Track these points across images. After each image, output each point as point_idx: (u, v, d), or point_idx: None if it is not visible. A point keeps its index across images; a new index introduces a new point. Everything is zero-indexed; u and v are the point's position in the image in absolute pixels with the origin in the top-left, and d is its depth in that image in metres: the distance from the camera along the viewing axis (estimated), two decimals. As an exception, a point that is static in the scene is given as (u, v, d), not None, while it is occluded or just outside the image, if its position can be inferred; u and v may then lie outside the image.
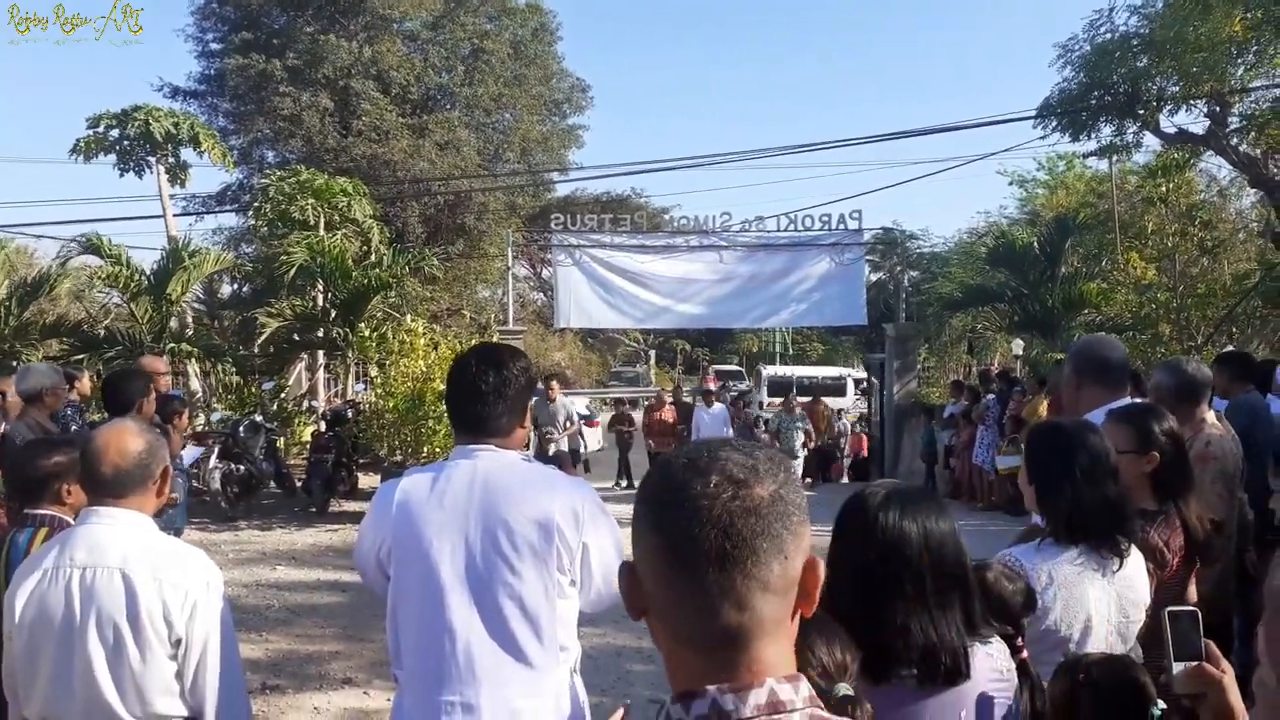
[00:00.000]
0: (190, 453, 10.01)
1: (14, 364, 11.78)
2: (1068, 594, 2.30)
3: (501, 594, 2.23)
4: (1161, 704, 1.81)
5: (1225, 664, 1.69)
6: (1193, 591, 2.75)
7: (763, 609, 1.01)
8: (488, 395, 2.32)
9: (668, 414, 15.64)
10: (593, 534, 2.29)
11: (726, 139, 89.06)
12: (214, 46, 25.10)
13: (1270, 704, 1.35)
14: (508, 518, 2.24)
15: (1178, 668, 1.70)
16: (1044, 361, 15.05)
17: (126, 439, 2.48)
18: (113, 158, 16.85)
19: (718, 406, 15.47)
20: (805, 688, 1.04)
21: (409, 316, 13.35)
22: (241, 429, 11.89)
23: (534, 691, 2.23)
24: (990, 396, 13.28)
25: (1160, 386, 4.01)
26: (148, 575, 2.33)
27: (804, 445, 15.66)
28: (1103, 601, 2.32)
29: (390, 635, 2.34)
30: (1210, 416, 4.09)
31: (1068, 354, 3.85)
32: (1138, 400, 3.64)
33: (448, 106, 25.64)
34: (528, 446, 2.44)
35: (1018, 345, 18.47)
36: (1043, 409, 10.10)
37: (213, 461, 11.24)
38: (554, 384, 13.61)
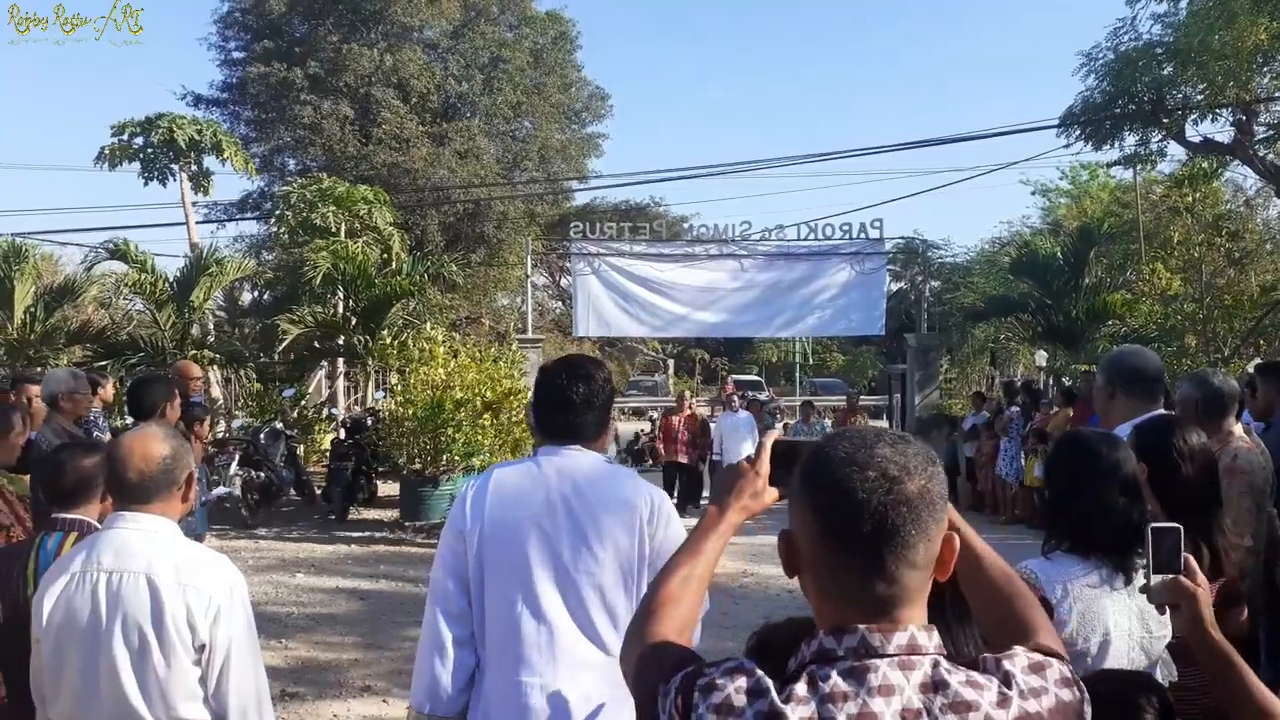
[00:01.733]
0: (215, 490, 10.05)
1: (39, 370, 11.89)
2: (1084, 607, 2.26)
3: (584, 583, 2.37)
4: None
5: (1201, 578, 1.83)
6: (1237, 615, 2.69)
7: (908, 582, 1.17)
8: (578, 405, 2.47)
9: (688, 421, 13.73)
10: (663, 529, 2.42)
11: (747, 148, 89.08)
12: (236, 55, 25.38)
13: None
14: (594, 510, 2.38)
15: (1155, 580, 1.83)
16: (1068, 373, 14.93)
17: (151, 444, 2.49)
18: (137, 165, 16.99)
19: (742, 413, 14.16)
20: (936, 636, 1.20)
21: (429, 324, 13.34)
22: (262, 436, 11.96)
23: (609, 679, 2.27)
24: (1014, 408, 13.17)
25: (1186, 399, 3.96)
26: (172, 580, 2.34)
27: None
28: (1122, 615, 2.27)
29: (476, 617, 2.45)
30: (1239, 430, 4.02)
31: (1101, 364, 3.82)
32: (1164, 413, 3.59)
33: (467, 115, 25.75)
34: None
35: (1041, 356, 18.33)
36: (1066, 421, 10.00)
37: (233, 468, 11.29)
38: None
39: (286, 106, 23.41)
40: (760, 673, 1.16)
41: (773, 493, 1.54)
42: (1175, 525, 1.85)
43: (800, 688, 1.14)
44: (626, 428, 20.29)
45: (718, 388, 32.90)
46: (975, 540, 1.47)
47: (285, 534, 11.04)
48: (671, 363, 42.39)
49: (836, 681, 1.13)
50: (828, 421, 15.44)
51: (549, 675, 2.34)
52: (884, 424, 18.67)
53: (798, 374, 41.20)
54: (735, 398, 15.09)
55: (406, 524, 11.24)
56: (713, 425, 13.94)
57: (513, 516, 2.41)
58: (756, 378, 37.90)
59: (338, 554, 10.01)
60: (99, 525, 2.97)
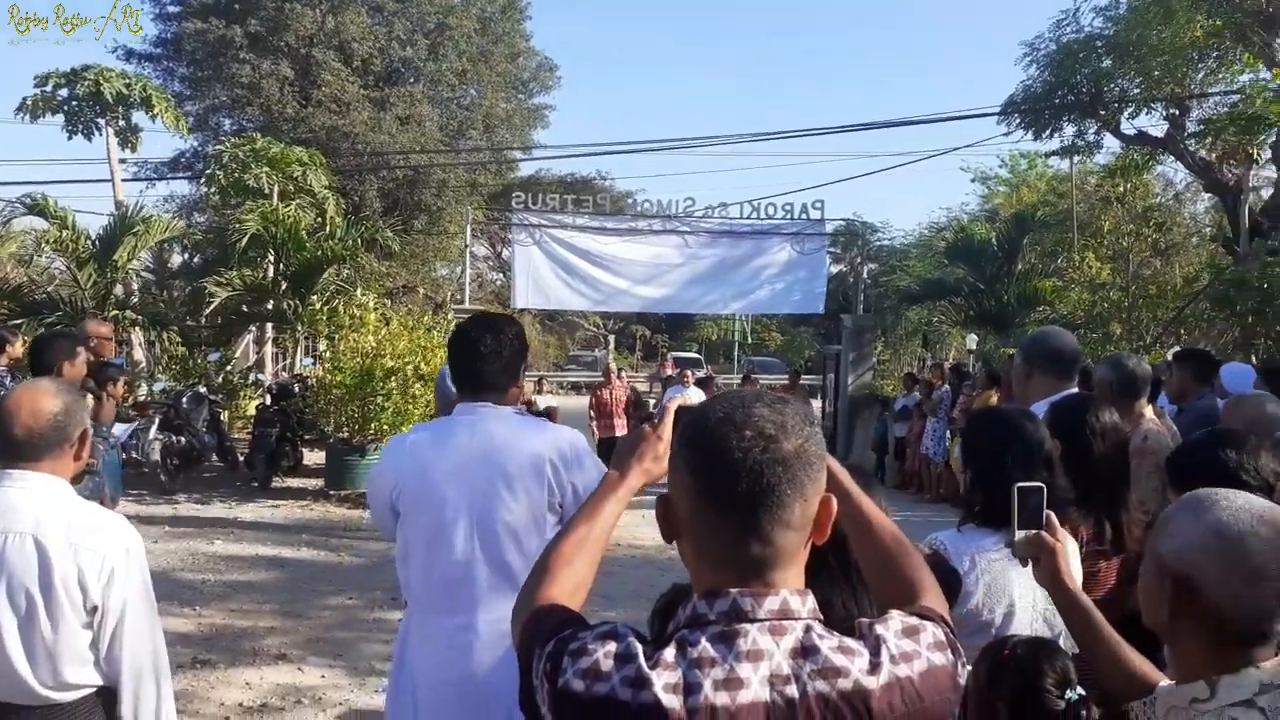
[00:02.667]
0: (121, 428, 9.76)
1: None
2: (990, 579, 2.29)
3: (499, 528, 2.52)
4: (1080, 689, 1.83)
5: (1062, 533, 1.93)
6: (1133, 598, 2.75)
7: (783, 543, 1.17)
8: (486, 355, 2.61)
9: (619, 391, 13.32)
10: (579, 474, 2.57)
11: (692, 125, 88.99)
12: (171, 9, 24.49)
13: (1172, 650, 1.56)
14: (503, 460, 2.54)
15: (1019, 535, 1.93)
16: (997, 356, 15.22)
17: (41, 399, 2.38)
18: (60, 119, 16.36)
19: (693, 389, 13.34)
20: (811, 600, 1.19)
21: (360, 291, 13.11)
22: (184, 400, 11.65)
23: None
24: (944, 388, 13.41)
25: (1102, 381, 4.09)
26: (62, 540, 2.25)
27: None
28: (1027, 587, 2.29)
29: (400, 567, 2.67)
30: (1149, 412, 4.15)
31: (1020, 344, 3.89)
32: (1078, 392, 3.66)
33: (411, 80, 25.27)
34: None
35: (972, 340, 18.66)
36: (993, 402, 10.19)
37: (153, 433, 10.99)
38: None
39: (224, 65, 22.72)
40: (632, 638, 1.15)
41: None
42: (1039, 485, 1.96)
43: (669, 653, 1.13)
44: (566, 402, 20.21)
45: (657, 364, 32.97)
46: (864, 502, 1.46)
47: (205, 500, 10.79)
48: (612, 338, 42.34)
49: (705, 647, 1.13)
50: None
51: (470, 617, 2.51)
52: (818, 403, 18.88)
53: (737, 352, 41.47)
54: (687, 372, 14.49)
55: (331, 492, 11.09)
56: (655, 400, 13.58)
57: (430, 471, 2.56)
58: (696, 355, 38.03)
59: (259, 521, 9.81)
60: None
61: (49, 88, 16.33)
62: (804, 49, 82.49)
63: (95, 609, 2.26)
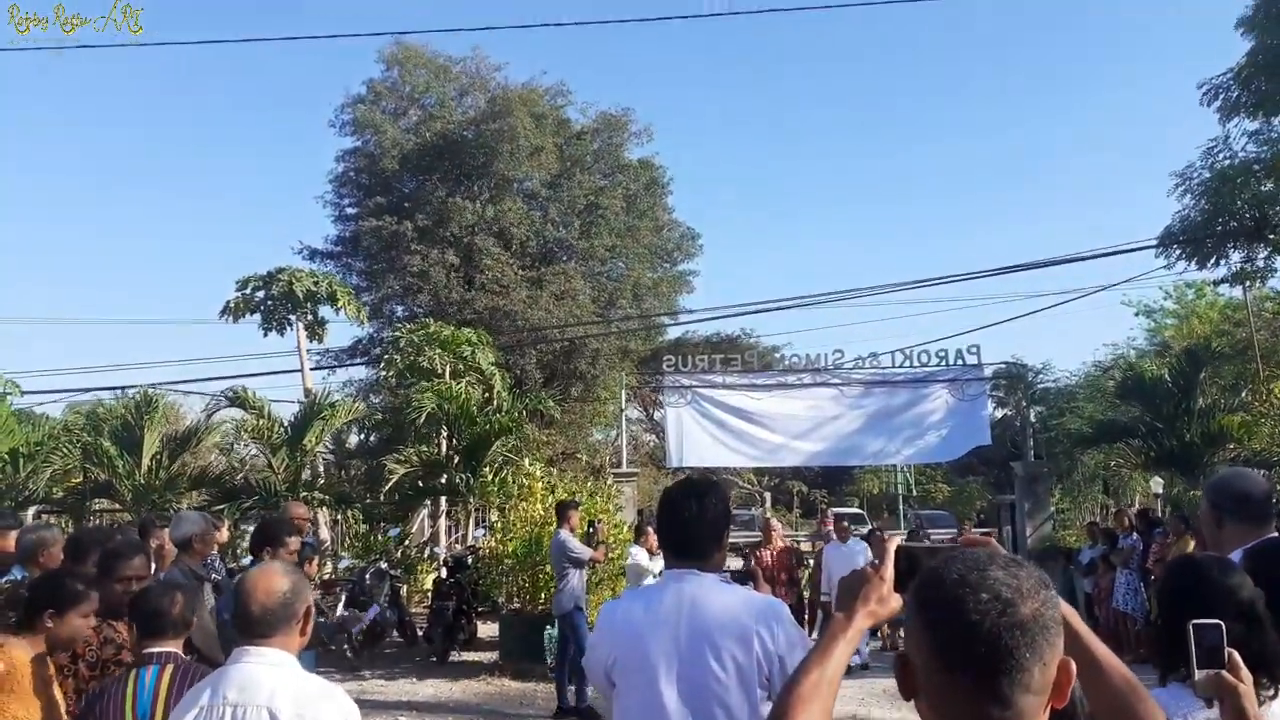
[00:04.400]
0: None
1: (165, 514, 12.46)
2: None
3: (710, 700, 2.54)
4: None
5: (1245, 673, 1.90)
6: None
7: (1023, 705, 1.18)
8: (689, 522, 2.69)
9: (780, 555, 12.14)
10: (787, 649, 2.56)
11: (841, 274, 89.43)
12: (350, 210, 27.01)
13: None
14: (712, 634, 2.57)
15: (1200, 675, 1.92)
16: (1186, 500, 14.21)
17: (273, 579, 2.65)
18: (258, 317, 18.05)
19: (853, 541, 12.70)
20: None
21: (527, 460, 13.58)
22: (367, 576, 12.12)
23: None
24: (1133, 537, 12.58)
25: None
26: (292, 712, 2.46)
27: None
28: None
29: None
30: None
31: (1205, 489, 3.72)
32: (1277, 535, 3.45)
33: (564, 258, 26.72)
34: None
35: (1157, 483, 17.52)
36: (1189, 550, 9.50)
37: (340, 609, 11.47)
38: (571, 514, 9.86)
39: (396, 256, 24.69)
40: None
41: (898, 599, 1.56)
42: (1216, 622, 1.95)
43: None
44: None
45: (817, 520, 32.19)
46: (1095, 644, 1.49)
47: (389, 676, 11.05)
48: (768, 495, 41.75)
49: None
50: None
51: None
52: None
53: (901, 506, 39.98)
54: (848, 526, 13.34)
55: (505, 664, 11.11)
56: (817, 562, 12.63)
57: (641, 646, 2.62)
58: (858, 510, 36.90)
59: (438, 696, 9.97)
60: (185, 656, 3.25)
61: (248, 290, 18.14)
62: (941, 193, 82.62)
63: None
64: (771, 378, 18.17)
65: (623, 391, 19.43)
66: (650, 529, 11.41)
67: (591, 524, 10.30)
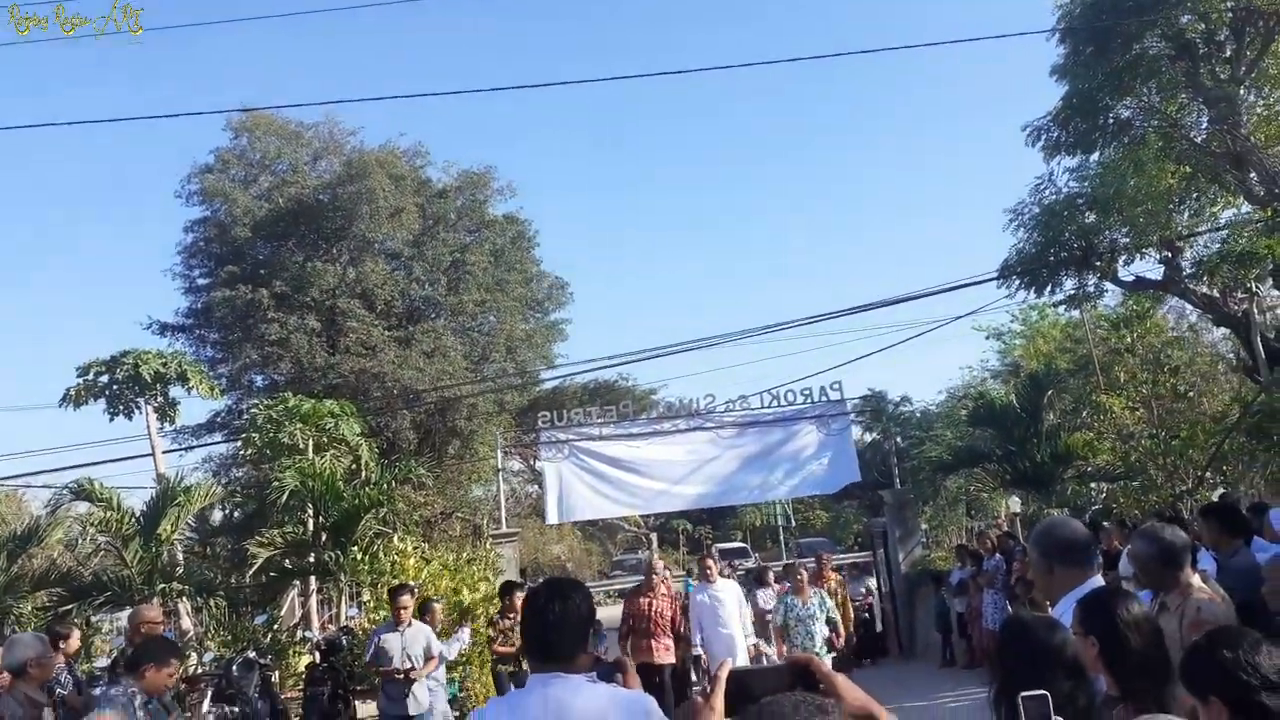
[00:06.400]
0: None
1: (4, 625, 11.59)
2: None
3: None
4: None
5: None
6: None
7: None
8: (553, 624, 2.71)
9: (661, 600, 10.25)
10: None
11: (706, 317, 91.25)
12: (201, 281, 25.97)
13: None
14: None
15: None
16: (1042, 517, 14.93)
17: None
18: (102, 403, 17.08)
19: (721, 583, 10.53)
20: None
21: (397, 535, 13.23)
22: (235, 668, 11.53)
23: None
24: (996, 558, 13.12)
25: (1140, 555, 4.05)
26: None
27: (829, 642, 10.67)
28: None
29: None
30: (1196, 580, 4.06)
31: (1031, 539, 3.94)
32: (1104, 585, 3.66)
33: (433, 316, 26.37)
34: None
35: (1015, 503, 18.39)
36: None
37: (205, 706, 10.86)
38: (405, 598, 9.24)
39: (253, 325, 23.84)
40: None
41: None
42: (1043, 693, 2.06)
43: None
44: (612, 613, 19.75)
45: (698, 558, 32.42)
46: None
47: (261, 774, 10.53)
48: (655, 536, 41.83)
49: None
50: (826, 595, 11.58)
51: None
52: (872, 581, 18.41)
53: (782, 536, 40.80)
54: (710, 564, 10.85)
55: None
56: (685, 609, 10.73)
57: None
58: (742, 544, 37.42)
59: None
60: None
61: (90, 376, 17.14)
62: (800, 234, 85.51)
63: None
64: (647, 425, 18.29)
65: (499, 450, 19.18)
66: (710, 560, 10.63)
67: (424, 605, 9.92)
